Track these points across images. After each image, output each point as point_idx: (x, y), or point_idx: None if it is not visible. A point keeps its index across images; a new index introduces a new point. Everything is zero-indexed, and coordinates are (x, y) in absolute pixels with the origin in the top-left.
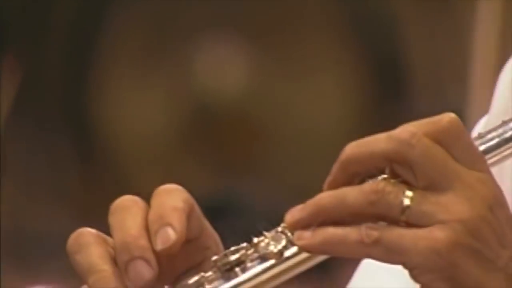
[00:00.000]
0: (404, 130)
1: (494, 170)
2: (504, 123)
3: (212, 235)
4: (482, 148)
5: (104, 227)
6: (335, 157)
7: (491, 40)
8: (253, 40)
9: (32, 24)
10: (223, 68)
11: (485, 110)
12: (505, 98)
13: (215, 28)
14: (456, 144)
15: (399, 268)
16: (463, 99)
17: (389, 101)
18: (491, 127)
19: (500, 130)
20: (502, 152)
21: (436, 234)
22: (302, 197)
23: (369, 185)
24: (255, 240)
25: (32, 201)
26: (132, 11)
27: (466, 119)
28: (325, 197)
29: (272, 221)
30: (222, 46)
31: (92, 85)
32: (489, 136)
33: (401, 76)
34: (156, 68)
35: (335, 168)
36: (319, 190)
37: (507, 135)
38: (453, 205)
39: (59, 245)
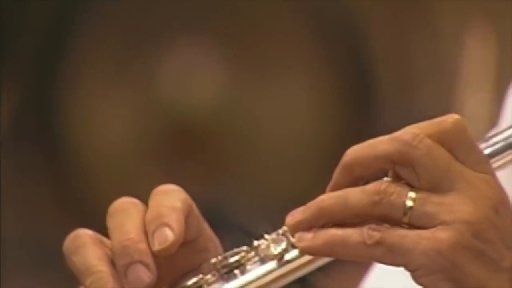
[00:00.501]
0: (407, 132)
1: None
2: (510, 127)
3: (210, 237)
4: (486, 151)
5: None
6: (306, 165)
7: (461, 49)
8: (223, 49)
9: None
10: (192, 78)
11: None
12: None
13: (185, 38)
14: (459, 146)
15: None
16: (437, 107)
17: (360, 110)
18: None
19: (505, 134)
20: (506, 156)
21: (439, 235)
22: (274, 207)
23: (371, 186)
24: (255, 242)
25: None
26: (99, 23)
27: None
28: (327, 199)
29: (249, 232)
30: (192, 56)
31: (59, 97)
32: (494, 140)
33: (372, 85)
34: (124, 80)
35: (337, 172)
36: (289, 199)
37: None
38: (456, 206)
39: (26, 256)
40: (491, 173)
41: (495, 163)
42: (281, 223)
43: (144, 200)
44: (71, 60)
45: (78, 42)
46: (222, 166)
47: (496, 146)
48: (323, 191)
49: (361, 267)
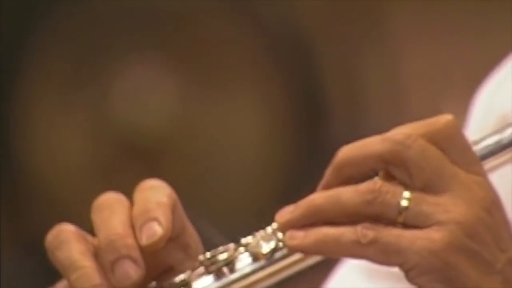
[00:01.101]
0: (399, 132)
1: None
2: (499, 130)
3: (192, 233)
4: (478, 153)
5: (28, 257)
6: (258, 182)
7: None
8: (175, 67)
9: None
10: (144, 96)
11: None
12: (481, 119)
13: (137, 56)
14: (452, 146)
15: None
16: (387, 123)
17: (310, 125)
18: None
19: (495, 137)
20: (497, 158)
21: (433, 235)
22: (227, 224)
23: (365, 185)
24: (243, 240)
25: None
26: (53, 43)
27: None
28: (318, 197)
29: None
30: (144, 74)
31: (13, 116)
32: (486, 142)
33: (323, 100)
34: (77, 99)
35: (328, 171)
36: (243, 216)
37: (504, 142)
38: (451, 207)
39: None
40: (483, 174)
41: (486, 165)
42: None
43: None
44: (25, 79)
45: (31, 61)
46: (174, 183)
47: (488, 148)
48: (276, 208)
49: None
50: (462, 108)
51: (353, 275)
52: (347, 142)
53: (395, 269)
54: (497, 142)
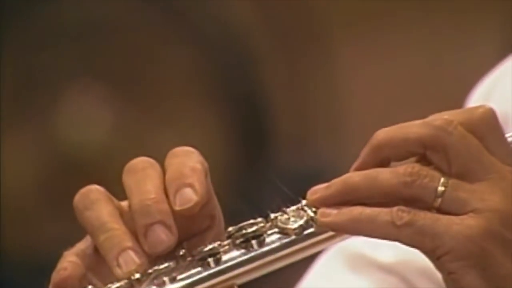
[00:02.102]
0: (440, 118)
1: None
2: None
3: (217, 204)
4: None
5: None
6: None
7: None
8: (118, 91)
9: None
10: (88, 120)
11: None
12: None
13: (81, 80)
14: (489, 136)
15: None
16: (334, 150)
17: (254, 153)
18: None
19: None
20: None
21: (470, 222)
22: None
23: (403, 167)
24: (272, 215)
25: None
26: None
27: (338, 169)
28: (354, 176)
29: None
30: (87, 98)
31: None
32: None
33: (267, 128)
34: (21, 122)
35: (365, 151)
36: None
37: None
38: (487, 195)
39: None
40: None
41: None
42: None
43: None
44: None
45: None
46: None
47: None
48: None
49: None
50: None
51: (335, 264)
52: (292, 167)
53: (379, 258)
54: None
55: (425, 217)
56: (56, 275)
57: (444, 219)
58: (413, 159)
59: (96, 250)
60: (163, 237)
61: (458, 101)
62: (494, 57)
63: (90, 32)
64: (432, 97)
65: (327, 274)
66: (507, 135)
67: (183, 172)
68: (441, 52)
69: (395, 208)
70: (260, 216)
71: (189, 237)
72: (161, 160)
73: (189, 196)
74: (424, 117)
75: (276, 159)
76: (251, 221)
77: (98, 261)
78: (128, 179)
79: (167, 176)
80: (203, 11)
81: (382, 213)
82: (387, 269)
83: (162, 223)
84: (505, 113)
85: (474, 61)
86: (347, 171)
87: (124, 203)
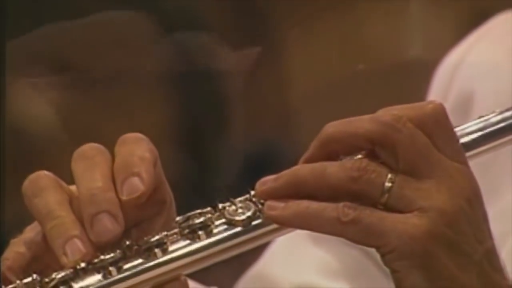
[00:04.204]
0: (388, 113)
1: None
2: (482, 117)
3: (168, 190)
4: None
5: None
6: None
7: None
8: (66, 76)
9: None
10: (37, 106)
11: None
12: (440, 96)
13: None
14: (439, 132)
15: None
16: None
17: (206, 139)
18: None
19: (480, 125)
20: (480, 147)
21: (415, 221)
22: None
23: (351, 162)
24: (220, 205)
25: None
26: None
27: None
28: (302, 168)
29: None
30: (35, 83)
31: None
32: (468, 130)
33: (219, 113)
34: None
35: (313, 145)
36: None
37: (488, 130)
38: (434, 193)
39: None
40: (466, 164)
41: (468, 153)
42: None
43: None
44: None
45: None
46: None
47: (471, 137)
48: None
49: None
50: None
51: (298, 236)
52: (243, 155)
53: None
54: (481, 129)
55: (371, 215)
56: (2, 265)
57: (390, 217)
58: (363, 152)
59: (44, 237)
60: (109, 226)
61: (412, 91)
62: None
63: (38, 17)
64: (383, 88)
65: (290, 246)
66: (456, 129)
67: (131, 161)
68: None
69: (341, 204)
70: (208, 205)
71: (138, 223)
72: (111, 146)
73: (135, 186)
74: (374, 110)
75: (227, 145)
76: (199, 211)
77: (46, 249)
78: (77, 166)
79: (115, 165)
80: None
81: (328, 209)
82: (350, 243)
83: (108, 212)
84: (470, 91)
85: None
86: (297, 159)
87: (75, 188)
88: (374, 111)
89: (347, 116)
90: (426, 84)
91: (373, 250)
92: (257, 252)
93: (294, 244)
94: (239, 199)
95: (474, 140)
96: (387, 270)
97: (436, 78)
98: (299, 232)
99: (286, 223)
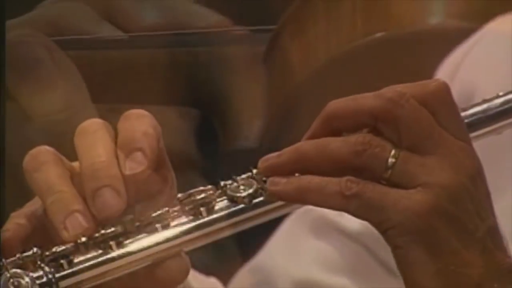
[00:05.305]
0: (392, 90)
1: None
2: (486, 101)
3: (170, 168)
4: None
5: None
6: None
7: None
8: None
9: None
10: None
11: None
12: None
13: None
14: (442, 110)
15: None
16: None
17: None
18: None
19: (484, 106)
20: (483, 128)
21: (418, 197)
22: None
23: (355, 136)
24: (222, 183)
25: None
26: None
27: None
28: (305, 144)
29: None
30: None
31: None
32: (471, 111)
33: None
34: None
35: (316, 122)
36: None
37: (491, 112)
38: (436, 170)
39: None
40: (469, 142)
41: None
42: None
43: None
44: None
45: None
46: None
47: (475, 117)
48: None
49: None
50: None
51: (300, 228)
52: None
53: (343, 225)
54: (484, 111)
55: (373, 190)
56: (2, 236)
57: (393, 193)
58: (365, 130)
59: (45, 211)
60: (111, 201)
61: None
62: None
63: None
64: None
65: (292, 238)
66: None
67: (134, 136)
68: None
69: (344, 178)
70: (211, 184)
71: (141, 200)
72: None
73: (139, 161)
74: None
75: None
76: (201, 188)
77: (47, 222)
78: (79, 142)
79: (118, 140)
80: None
81: (331, 183)
82: (350, 236)
83: (111, 187)
84: (473, 82)
85: None
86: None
87: (76, 164)
88: (392, 80)
89: (366, 84)
90: (446, 53)
91: (373, 244)
92: (257, 245)
93: (295, 236)
94: (242, 176)
95: (478, 120)
96: (387, 264)
97: (442, 68)
98: (299, 224)
99: (288, 198)
